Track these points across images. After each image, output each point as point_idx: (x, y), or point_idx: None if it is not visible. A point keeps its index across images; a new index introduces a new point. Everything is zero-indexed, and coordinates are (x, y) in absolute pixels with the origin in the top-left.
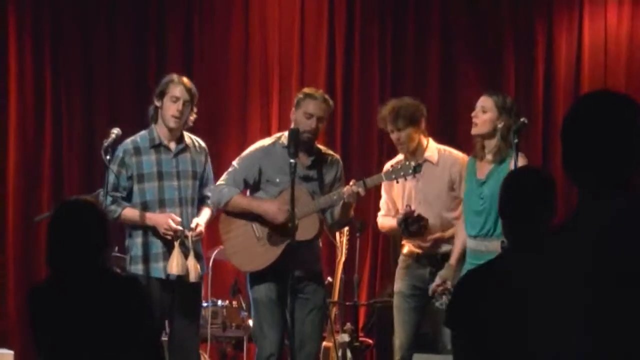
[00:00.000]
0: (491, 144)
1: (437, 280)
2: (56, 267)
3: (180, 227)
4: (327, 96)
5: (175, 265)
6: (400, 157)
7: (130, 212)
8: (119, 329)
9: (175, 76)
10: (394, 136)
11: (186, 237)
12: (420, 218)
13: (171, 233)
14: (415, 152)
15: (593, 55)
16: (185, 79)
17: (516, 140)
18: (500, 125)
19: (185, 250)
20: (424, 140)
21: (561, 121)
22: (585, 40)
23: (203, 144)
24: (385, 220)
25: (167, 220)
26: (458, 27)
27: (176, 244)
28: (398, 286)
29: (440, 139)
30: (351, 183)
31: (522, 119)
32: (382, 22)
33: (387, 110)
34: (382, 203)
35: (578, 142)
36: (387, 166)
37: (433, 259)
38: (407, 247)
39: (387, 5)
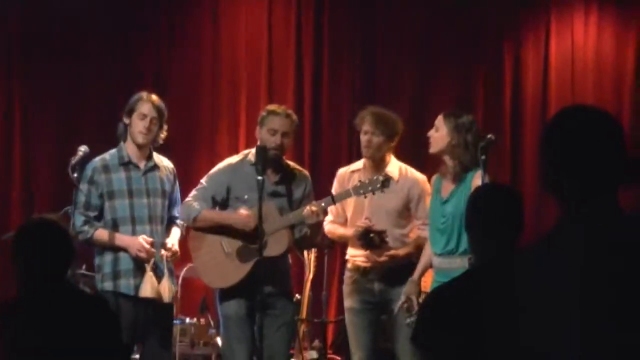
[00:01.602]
0: (449, 163)
1: (402, 298)
2: (22, 285)
3: (153, 249)
4: (290, 111)
5: (149, 289)
6: (358, 164)
7: (102, 234)
8: (86, 347)
9: (144, 94)
10: (365, 137)
11: (161, 257)
12: (381, 231)
13: (144, 255)
14: (378, 163)
15: (560, 71)
16: (154, 97)
17: (483, 157)
18: (453, 143)
19: (158, 271)
20: (388, 156)
21: (529, 137)
22: (552, 57)
23: (171, 165)
24: (335, 227)
25: (139, 242)
26: (428, 43)
27: (148, 267)
28: (349, 303)
29: (409, 156)
30: (312, 204)
31: (489, 136)
32: (351, 38)
33: (370, 111)
34: (331, 208)
35: (565, 154)
36: (342, 171)
37: (380, 272)
38: (351, 262)
39: (355, 20)
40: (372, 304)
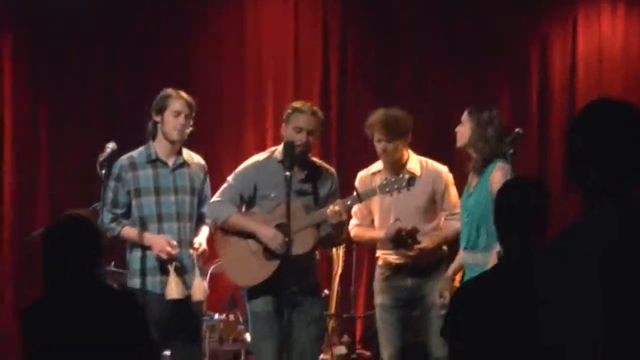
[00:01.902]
0: (473, 156)
1: (436, 295)
2: (51, 282)
3: (175, 251)
4: (315, 108)
5: (174, 289)
6: (378, 166)
7: (128, 231)
8: (116, 344)
9: (172, 91)
10: (380, 145)
11: (191, 255)
12: (412, 230)
13: (164, 256)
14: (397, 164)
15: (587, 66)
16: (183, 93)
17: (511, 151)
18: (475, 137)
19: (185, 270)
20: (405, 153)
21: (556, 130)
22: (579, 51)
23: (202, 162)
24: (363, 230)
25: (163, 242)
26: (454, 37)
27: (171, 268)
28: (380, 299)
29: (435, 154)
30: (335, 203)
31: (516, 130)
32: (378, 34)
33: (377, 118)
34: (355, 211)
35: (593, 145)
36: (363, 174)
37: (413, 268)
38: (382, 259)
39: (381, 19)
40: (404, 300)
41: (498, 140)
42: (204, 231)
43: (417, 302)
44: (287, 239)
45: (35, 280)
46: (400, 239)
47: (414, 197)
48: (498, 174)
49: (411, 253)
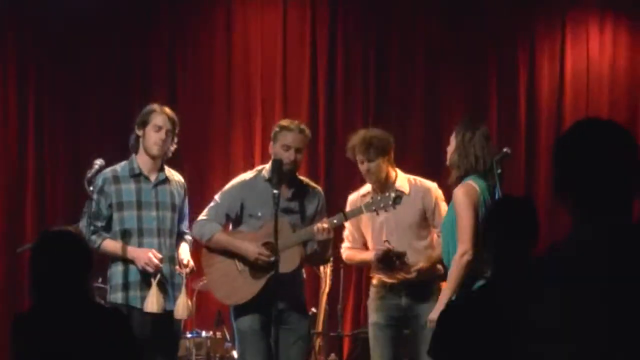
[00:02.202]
0: (452, 172)
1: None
2: (39, 297)
3: (161, 264)
4: (303, 126)
5: (155, 302)
6: (367, 187)
7: (110, 244)
8: (101, 358)
9: (156, 106)
10: (363, 167)
11: (179, 273)
12: (401, 254)
13: (150, 269)
14: (385, 183)
15: (575, 82)
16: (166, 109)
17: (499, 170)
18: (456, 155)
19: (168, 286)
20: (392, 172)
21: (544, 148)
22: (568, 68)
23: (182, 180)
24: (354, 253)
25: (147, 255)
26: (441, 54)
27: (154, 282)
28: (374, 318)
29: (424, 165)
30: (323, 221)
31: (504, 149)
32: (365, 50)
33: (358, 140)
34: (347, 234)
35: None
36: (353, 197)
37: (408, 288)
38: (376, 278)
39: (369, 33)
40: (397, 319)
41: (480, 157)
42: (185, 247)
43: (410, 321)
44: (272, 256)
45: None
46: (389, 261)
47: (406, 215)
48: (460, 190)
49: (409, 276)
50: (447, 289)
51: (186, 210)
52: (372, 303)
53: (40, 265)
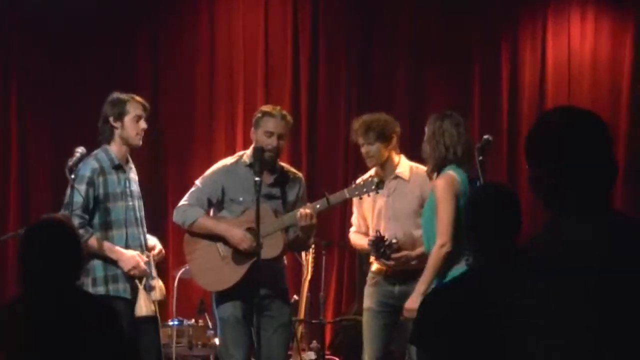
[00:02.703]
0: (427, 163)
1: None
2: (27, 286)
3: (146, 267)
4: (285, 112)
5: (144, 306)
6: (371, 172)
7: (95, 243)
8: (90, 350)
9: (126, 95)
10: (363, 149)
11: (148, 257)
12: (391, 243)
13: (137, 273)
14: (385, 167)
15: (557, 71)
16: (137, 96)
17: (480, 158)
18: (428, 146)
19: (150, 290)
20: (395, 157)
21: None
22: (549, 57)
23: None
24: (357, 238)
25: (135, 259)
26: (424, 43)
27: (141, 286)
28: (367, 303)
29: (408, 155)
30: (305, 206)
31: (485, 137)
32: (348, 38)
33: (358, 123)
34: (354, 219)
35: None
36: (359, 181)
37: (401, 276)
38: (376, 264)
39: (352, 22)
40: (391, 306)
41: (450, 146)
42: (151, 236)
43: (402, 309)
44: (256, 241)
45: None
46: (379, 250)
47: (405, 202)
48: (440, 181)
49: (390, 263)
50: (424, 279)
51: None
52: (367, 288)
53: (31, 254)
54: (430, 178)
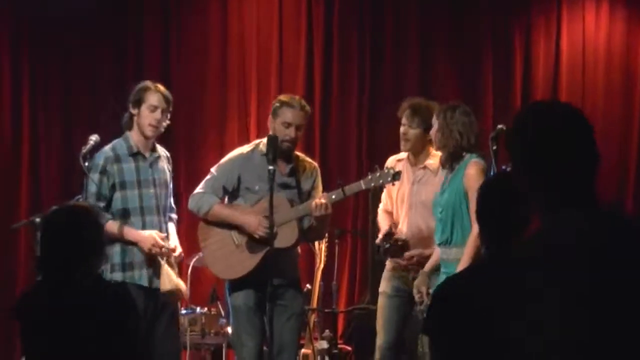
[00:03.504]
0: (441, 153)
1: (414, 290)
2: (46, 273)
3: (166, 245)
4: (304, 103)
5: (167, 282)
6: (404, 154)
7: (111, 226)
8: (106, 336)
9: (150, 84)
10: (402, 129)
11: (171, 252)
12: (401, 241)
13: (157, 250)
14: (419, 155)
15: (571, 60)
16: (160, 87)
17: (494, 147)
18: (439, 135)
19: (172, 264)
20: (430, 148)
21: None
22: (563, 46)
23: (167, 153)
24: (381, 218)
25: (153, 237)
26: (436, 34)
27: (163, 261)
28: (383, 287)
29: None
30: (321, 196)
31: (499, 126)
32: (361, 29)
33: (409, 103)
34: (383, 196)
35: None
36: (391, 160)
37: (419, 265)
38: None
39: (365, 12)
40: (405, 292)
41: (464, 134)
42: (173, 230)
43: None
44: (271, 228)
45: (17, 271)
46: (388, 247)
47: (427, 192)
48: (472, 170)
49: (402, 261)
50: (462, 267)
51: (171, 184)
52: (385, 273)
53: (53, 240)
54: (444, 167)
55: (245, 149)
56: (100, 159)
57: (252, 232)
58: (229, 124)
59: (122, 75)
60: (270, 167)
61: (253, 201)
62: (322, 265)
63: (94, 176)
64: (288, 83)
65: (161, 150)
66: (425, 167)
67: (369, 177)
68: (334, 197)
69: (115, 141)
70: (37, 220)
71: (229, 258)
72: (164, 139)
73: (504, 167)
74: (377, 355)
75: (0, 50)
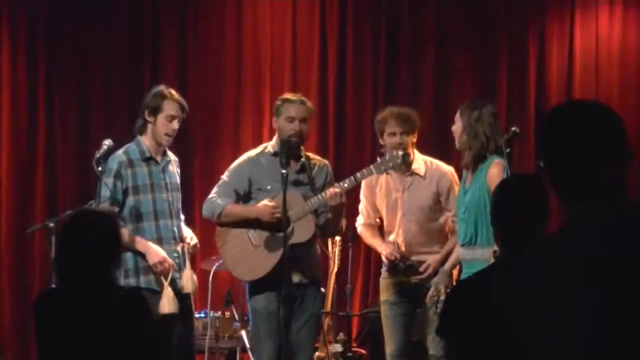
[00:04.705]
0: (464, 153)
1: (432, 288)
2: (66, 276)
3: (171, 265)
4: (304, 98)
5: (166, 304)
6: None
7: (125, 234)
8: (124, 340)
9: (166, 90)
10: (395, 139)
11: (182, 248)
12: (407, 261)
13: (161, 269)
14: (407, 161)
15: (584, 61)
16: (175, 94)
17: (508, 150)
18: (465, 135)
19: (179, 264)
20: (412, 152)
21: None
22: (577, 46)
23: (177, 158)
24: (367, 234)
25: (161, 255)
26: (451, 35)
27: (166, 283)
28: (385, 296)
29: (434, 146)
30: (334, 186)
31: (513, 129)
32: (375, 29)
33: (394, 112)
34: (362, 209)
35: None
36: (367, 179)
37: (415, 268)
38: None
39: (380, 12)
40: (408, 297)
41: (490, 137)
42: (185, 226)
43: (420, 299)
44: (278, 209)
45: (33, 275)
46: (396, 267)
47: (419, 197)
48: (495, 170)
49: (423, 277)
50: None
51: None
52: (382, 281)
53: (72, 244)
54: (467, 169)
55: (253, 152)
56: (114, 163)
57: (269, 219)
58: (244, 125)
59: (138, 76)
60: (283, 171)
61: (268, 199)
62: (335, 269)
63: (108, 180)
64: (302, 83)
65: (171, 155)
66: (413, 174)
67: (379, 160)
68: (346, 185)
69: (127, 145)
70: (52, 224)
71: (249, 260)
72: (181, 140)
73: (539, 162)
74: None
75: (17, 51)
